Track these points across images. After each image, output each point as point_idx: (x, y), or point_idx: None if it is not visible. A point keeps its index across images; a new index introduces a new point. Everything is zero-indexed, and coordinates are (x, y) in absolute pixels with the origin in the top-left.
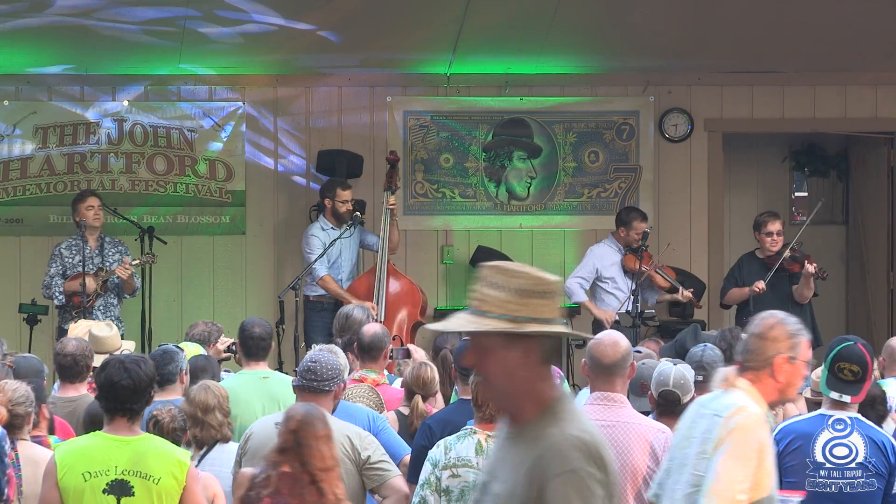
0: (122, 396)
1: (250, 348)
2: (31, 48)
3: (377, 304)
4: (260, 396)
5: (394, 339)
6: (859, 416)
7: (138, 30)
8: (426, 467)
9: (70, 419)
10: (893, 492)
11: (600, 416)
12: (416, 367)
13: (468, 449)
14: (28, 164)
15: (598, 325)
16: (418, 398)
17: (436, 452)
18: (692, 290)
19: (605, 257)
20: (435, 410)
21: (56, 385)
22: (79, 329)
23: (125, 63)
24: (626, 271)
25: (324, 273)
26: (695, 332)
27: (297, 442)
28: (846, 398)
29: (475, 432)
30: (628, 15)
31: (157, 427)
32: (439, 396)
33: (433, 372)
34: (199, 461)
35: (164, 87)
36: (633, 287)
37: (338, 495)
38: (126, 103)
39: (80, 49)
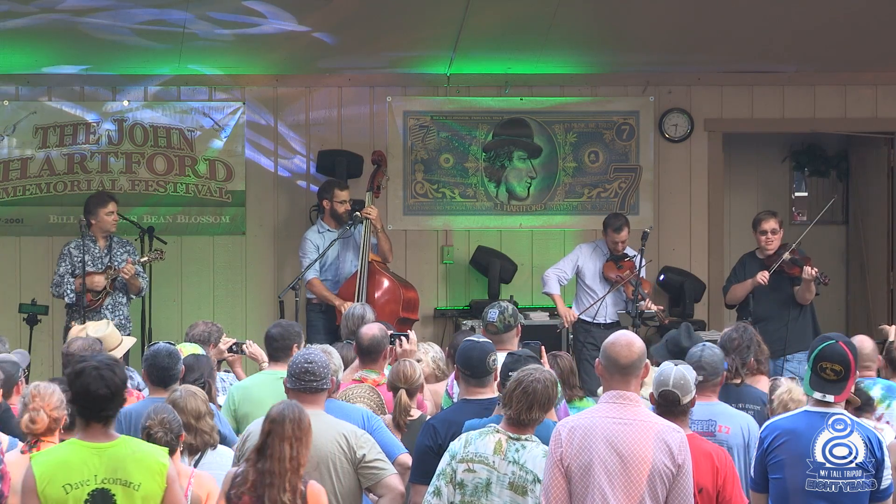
0: (98, 405)
1: (267, 348)
2: (31, 48)
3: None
4: (273, 396)
5: None
6: (844, 412)
7: (138, 30)
8: (445, 458)
9: None
10: (881, 487)
11: (617, 414)
12: (396, 364)
13: (487, 446)
14: (28, 164)
15: (582, 326)
16: (402, 393)
17: (456, 444)
18: (661, 307)
19: (590, 258)
20: (428, 405)
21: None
22: (83, 330)
23: (125, 63)
24: (604, 278)
25: (312, 277)
26: (688, 331)
27: (266, 442)
28: (829, 398)
29: (497, 431)
30: (628, 15)
31: (150, 440)
32: (435, 389)
33: (413, 367)
34: (195, 467)
35: (164, 88)
36: (604, 294)
37: (295, 495)
38: (126, 103)
39: (80, 49)
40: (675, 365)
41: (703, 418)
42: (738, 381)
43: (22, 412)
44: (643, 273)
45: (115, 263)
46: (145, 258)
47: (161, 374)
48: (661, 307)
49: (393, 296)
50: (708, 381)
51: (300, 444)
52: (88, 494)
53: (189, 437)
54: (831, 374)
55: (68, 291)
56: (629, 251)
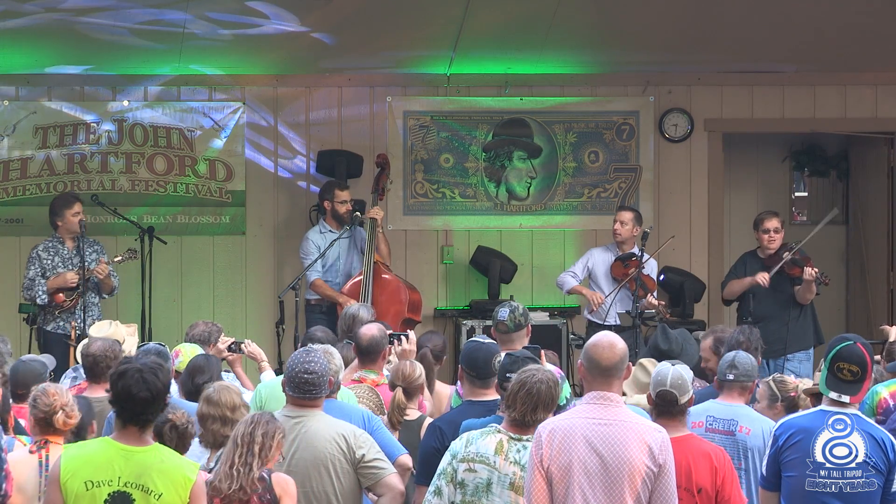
0: (138, 408)
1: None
2: (31, 48)
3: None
4: None
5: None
6: (859, 413)
7: (138, 30)
8: (446, 457)
9: (98, 419)
10: (893, 490)
11: (598, 415)
12: (397, 364)
13: (488, 446)
14: (28, 164)
15: (592, 328)
16: (399, 391)
17: (457, 444)
18: (663, 302)
19: (601, 260)
20: (428, 406)
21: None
22: (99, 329)
23: (125, 63)
24: (613, 278)
25: (315, 277)
26: (664, 332)
27: (245, 444)
28: (845, 398)
29: (499, 431)
30: (628, 15)
31: (174, 431)
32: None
33: (413, 366)
34: (217, 461)
35: (164, 88)
36: (613, 292)
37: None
38: (126, 103)
39: (80, 49)
40: (672, 365)
41: (725, 417)
42: None
43: (44, 411)
44: (652, 273)
45: (86, 264)
46: (119, 258)
47: None
48: (663, 302)
49: (399, 296)
50: (737, 382)
51: (243, 446)
52: (109, 495)
53: (226, 429)
54: (848, 375)
55: (41, 293)
56: (636, 251)
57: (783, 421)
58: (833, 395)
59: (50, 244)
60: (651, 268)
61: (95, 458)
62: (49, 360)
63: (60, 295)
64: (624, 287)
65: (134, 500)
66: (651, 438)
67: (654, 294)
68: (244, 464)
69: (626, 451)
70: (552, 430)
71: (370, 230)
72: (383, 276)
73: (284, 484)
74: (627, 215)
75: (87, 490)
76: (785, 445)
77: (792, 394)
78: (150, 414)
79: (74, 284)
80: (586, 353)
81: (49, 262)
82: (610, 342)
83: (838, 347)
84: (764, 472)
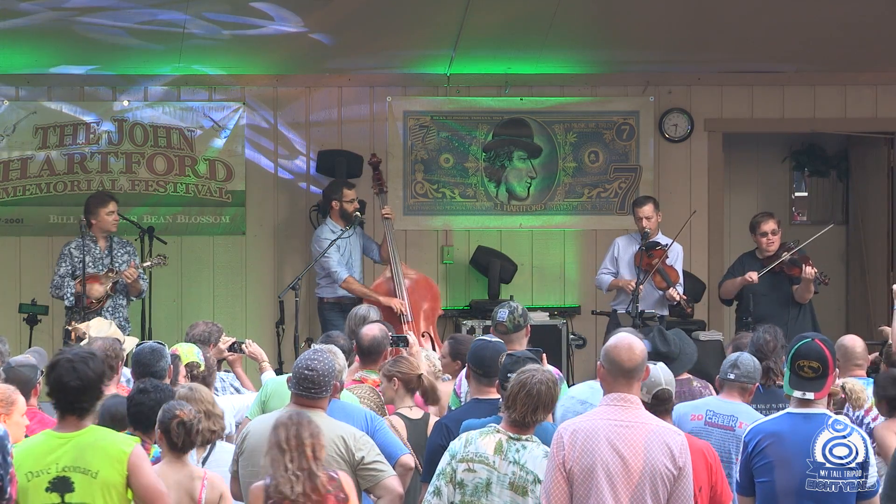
0: (71, 396)
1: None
2: (32, 48)
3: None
4: None
5: (423, 335)
6: (826, 411)
7: (138, 30)
8: (445, 457)
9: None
10: (868, 485)
11: (618, 417)
12: (401, 358)
13: (487, 446)
14: (28, 164)
15: (613, 326)
16: (430, 377)
17: (456, 444)
18: (686, 297)
19: (625, 249)
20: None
21: None
22: (99, 329)
23: (125, 63)
24: (637, 267)
25: (345, 275)
26: (661, 334)
27: (294, 448)
28: (810, 395)
29: (498, 431)
30: (629, 15)
31: (181, 427)
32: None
33: (409, 363)
34: (204, 461)
35: (164, 87)
36: (638, 281)
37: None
38: (126, 103)
39: (80, 49)
40: (655, 364)
41: (726, 413)
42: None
43: None
44: (677, 262)
45: (116, 265)
46: (147, 262)
47: (142, 370)
48: (685, 297)
49: (432, 292)
50: (737, 382)
51: (316, 442)
52: (49, 482)
53: (210, 424)
54: (809, 372)
55: (68, 294)
56: (662, 239)
57: (751, 427)
58: (797, 393)
59: (82, 242)
60: (676, 255)
61: (35, 451)
62: (40, 357)
63: (88, 297)
64: (648, 279)
65: (73, 482)
66: (672, 441)
67: (678, 286)
68: (299, 468)
69: (648, 453)
70: (574, 432)
71: (387, 229)
72: (411, 274)
73: (350, 482)
74: (649, 208)
75: (28, 481)
76: (755, 451)
77: (840, 396)
78: (86, 402)
79: (100, 296)
80: (607, 355)
81: (80, 260)
82: (629, 344)
83: (797, 346)
84: (738, 479)
